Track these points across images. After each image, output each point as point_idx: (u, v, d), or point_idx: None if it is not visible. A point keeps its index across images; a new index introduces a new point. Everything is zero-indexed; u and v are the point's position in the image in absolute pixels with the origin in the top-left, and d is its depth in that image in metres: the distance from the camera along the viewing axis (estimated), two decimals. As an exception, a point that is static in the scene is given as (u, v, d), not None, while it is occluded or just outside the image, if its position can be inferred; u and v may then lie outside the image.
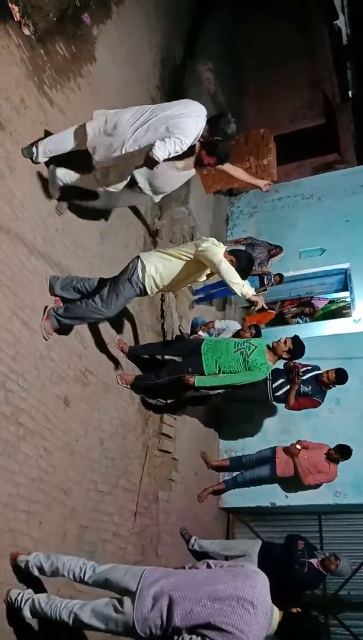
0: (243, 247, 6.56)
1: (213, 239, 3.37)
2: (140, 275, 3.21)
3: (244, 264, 3.34)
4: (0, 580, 2.45)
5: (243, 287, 3.19)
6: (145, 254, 3.35)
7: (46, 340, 3.12)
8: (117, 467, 3.74)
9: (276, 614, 2.16)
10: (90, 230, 3.97)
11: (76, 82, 3.99)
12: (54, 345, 3.22)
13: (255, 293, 3.24)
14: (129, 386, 4.08)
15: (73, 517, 3.10)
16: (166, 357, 4.53)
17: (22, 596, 2.40)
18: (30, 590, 2.48)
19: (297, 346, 3.94)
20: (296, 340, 3.95)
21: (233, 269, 3.18)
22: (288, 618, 2.18)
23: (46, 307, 3.20)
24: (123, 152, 3.13)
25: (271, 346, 3.95)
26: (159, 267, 3.25)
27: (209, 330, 5.08)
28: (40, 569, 2.48)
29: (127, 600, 2.18)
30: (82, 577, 2.39)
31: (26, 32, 3.38)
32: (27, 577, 2.55)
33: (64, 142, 3.31)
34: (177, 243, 5.45)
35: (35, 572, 2.50)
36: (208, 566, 2.41)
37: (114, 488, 3.63)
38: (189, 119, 3.08)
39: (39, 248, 3.26)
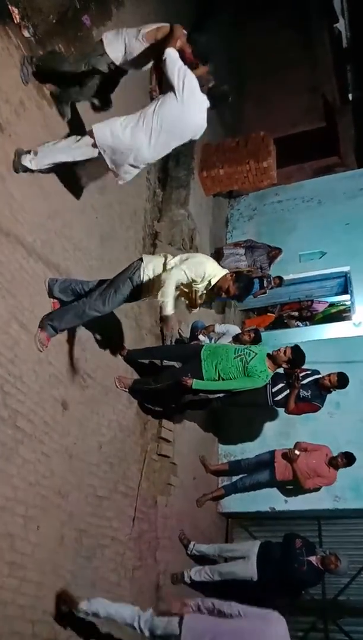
0: (242, 250, 6.58)
1: (208, 257, 3.34)
2: (141, 276, 3.20)
3: (243, 284, 3.29)
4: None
5: (167, 303, 3.09)
6: (148, 256, 3.34)
7: (40, 351, 3.07)
8: (116, 471, 3.72)
9: None
10: (90, 232, 3.96)
11: (76, 84, 3.97)
12: (52, 349, 3.19)
13: (171, 315, 3.11)
14: (127, 390, 4.06)
15: (71, 521, 3.08)
16: (165, 362, 4.51)
17: None
18: None
19: (297, 355, 3.92)
20: (296, 349, 3.93)
21: (171, 290, 3.09)
22: None
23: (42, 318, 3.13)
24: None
25: (271, 354, 3.93)
26: (157, 271, 3.23)
27: (209, 334, 5.06)
28: (96, 614, 2.83)
29: None
30: (134, 626, 2.78)
31: (26, 34, 3.37)
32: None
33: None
34: (176, 245, 5.44)
35: (91, 618, 2.87)
36: (231, 615, 2.69)
37: (112, 492, 3.61)
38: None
39: (38, 250, 3.24)
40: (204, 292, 3.33)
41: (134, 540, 3.77)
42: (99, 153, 3.11)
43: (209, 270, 3.19)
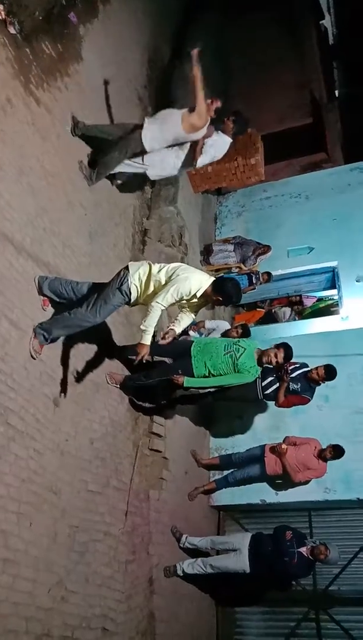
0: (231, 246, 6.61)
1: (193, 269, 3.33)
2: (129, 285, 3.22)
3: (228, 293, 3.29)
4: None
5: (145, 334, 3.23)
6: (134, 264, 3.34)
7: (34, 359, 3.09)
8: (108, 466, 3.74)
9: None
10: (79, 230, 3.97)
11: (63, 82, 3.97)
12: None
13: (148, 345, 3.28)
14: (118, 386, 4.08)
15: (64, 517, 3.10)
16: (156, 358, 4.52)
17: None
18: None
19: (285, 352, 3.99)
20: (284, 347, 4.00)
21: (155, 318, 3.18)
22: None
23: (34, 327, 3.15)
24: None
25: (262, 360, 3.96)
26: (143, 279, 3.25)
27: (199, 329, 5.09)
28: None
29: None
30: None
31: (12, 30, 3.36)
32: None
33: None
34: (165, 243, 5.45)
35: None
36: None
37: (104, 488, 3.63)
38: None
39: (27, 248, 3.25)
40: (192, 301, 3.36)
41: (127, 534, 3.80)
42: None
43: (194, 286, 3.20)
